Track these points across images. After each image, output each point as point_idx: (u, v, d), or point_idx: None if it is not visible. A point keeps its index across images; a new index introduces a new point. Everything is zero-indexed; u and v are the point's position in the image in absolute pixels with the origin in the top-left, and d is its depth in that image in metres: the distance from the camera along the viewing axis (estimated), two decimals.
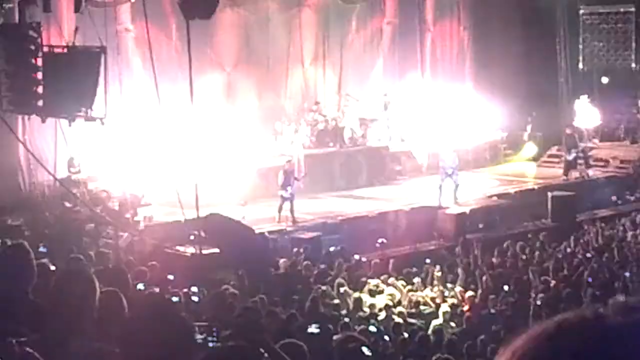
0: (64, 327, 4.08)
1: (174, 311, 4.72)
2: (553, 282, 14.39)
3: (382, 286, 14.20)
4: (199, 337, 8.88)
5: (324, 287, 13.88)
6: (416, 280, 14.76)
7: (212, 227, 15.88)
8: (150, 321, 3.62)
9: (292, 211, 18.02)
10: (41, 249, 13.05)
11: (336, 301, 13.40)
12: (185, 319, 4.13)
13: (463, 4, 25.77)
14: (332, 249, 16.78)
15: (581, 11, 26.17)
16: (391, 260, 16.04)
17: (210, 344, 8.44)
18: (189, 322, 4.45)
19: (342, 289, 13.87)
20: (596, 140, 23.68)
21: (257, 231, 16.16)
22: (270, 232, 16.70)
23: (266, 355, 4.30)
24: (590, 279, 14.59)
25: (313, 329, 9.93)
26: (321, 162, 21.50)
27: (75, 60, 13.76)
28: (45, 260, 9.37)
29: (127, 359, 3.61)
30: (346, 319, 11.92)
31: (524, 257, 16.25)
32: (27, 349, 4.03)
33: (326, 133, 22.14)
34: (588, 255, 16.33)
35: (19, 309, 4.47)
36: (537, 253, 16.54)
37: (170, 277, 13.89)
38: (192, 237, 15.82)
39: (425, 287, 14.65)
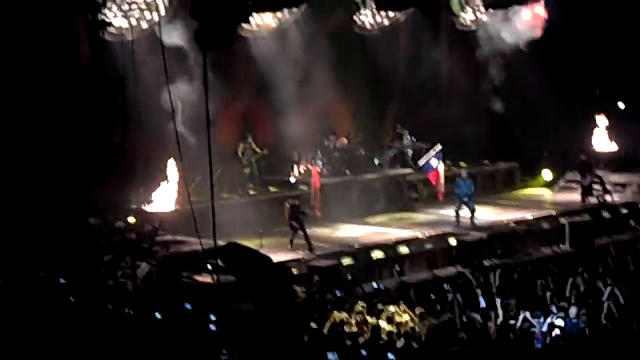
0: None
1: None
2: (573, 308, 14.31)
3: (403, 314, 14.16)
4: None
5: (342, 315, 13.89)
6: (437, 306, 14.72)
7: (229, 256, 15.92)
8: None
9: (307, 240, 18.06)
10: (61, 281, 13.13)
11: (354, 329, 13.38)
12: None
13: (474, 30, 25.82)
14: (349, 276, 16.80)
15: (596, 36, 26.15)
16: (409, 287, 16.02)
17: None
18: None
19: (359, 317, 13.85)
20: (602, 166, 23.56)
21: (274, 260, 16.17)
22: (287, 261, 16.70)
23: None
24: (609, 304, 14.51)
25: (331, 357, 9.92)
26: (338, 190, 21.58)
27: (94, 92, 13.88)
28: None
29: None
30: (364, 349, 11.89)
31: (542, 282, 16.17)
32: None
33: (343, 161, 22.23)
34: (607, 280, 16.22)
35: None
36: (555, 278, 16.48)
37: (188, 306, 13.93)
38: (209, 267, 15.85)
39: (444, 313, 14.59)
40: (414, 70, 24.92)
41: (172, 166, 19.08)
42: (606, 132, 25.00)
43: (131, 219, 18.19)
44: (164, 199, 18.83)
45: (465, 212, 20.35)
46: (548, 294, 15.37)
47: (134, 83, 19.24)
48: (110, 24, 18.89)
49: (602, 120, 25.14)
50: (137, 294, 14.46)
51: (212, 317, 13.21)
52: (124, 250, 15.69)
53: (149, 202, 18.62)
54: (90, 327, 10.85)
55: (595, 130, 25.02)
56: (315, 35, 23.24)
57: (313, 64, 22.98)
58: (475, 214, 20.51)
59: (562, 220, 20.43)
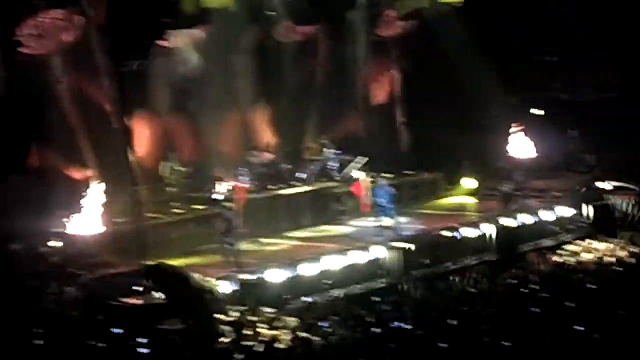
0: None
1: None
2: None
3: None
4: None
5: (274, 332, 13.81)
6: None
7: (156, 277, 15.71)
8: None
9: (236, 256, 17.89)
10: None
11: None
12: None
13: (392, 42, 26.11)
14: (278, 292, 16.70)
15: (513, 43, 26.67)
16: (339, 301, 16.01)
17: None
18: None
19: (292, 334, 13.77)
20: (521, 173, 24.00)
21: (202, 278, 15.98)
22: (217, 278, 16.50)
23: None
24: (534, 309, 14.73)
25: None
26: (264, 205, 21.48)
27: (7, 113, 13.48)
28: None
29: None
30: None
31: (471, 290, 16.36)
32: None
33: (267, 176, 22.15)
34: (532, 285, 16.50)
35: None
36: (482, 286, 16.69)
37: (118, 330, 13.65)
38: (136, 288, 15.58)
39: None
40: (334, 82, 25.06)
41: (94, 187, 18.73)
42: (523, 138, 25.47)
43: (55, 243, 17.75)
44: (87, 220, 18.43)
45: (387, 221, 20.45)
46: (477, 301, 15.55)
47: (50, 103, 18.92)
48: (23, 44, 18.52)
49: (519, 127, 25.61)
50: (65, 320, 14.09)
51: (142, 340, 12.98)
52: (49, 276, 15.29)
53: (72, 224, 18.20)
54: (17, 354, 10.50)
55: (513, 137, 25.47)
56: (235, 50, 23.16)
57: (234, 78, 22.89)
58: (400, 223, 20.62)
59: (486, 228, 20.68)
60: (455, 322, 14.26)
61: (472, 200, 24.61)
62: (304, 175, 23.03)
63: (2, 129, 13.30)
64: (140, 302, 15.37)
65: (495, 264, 19.02)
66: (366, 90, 25.97)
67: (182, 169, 21.31)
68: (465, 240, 20.34)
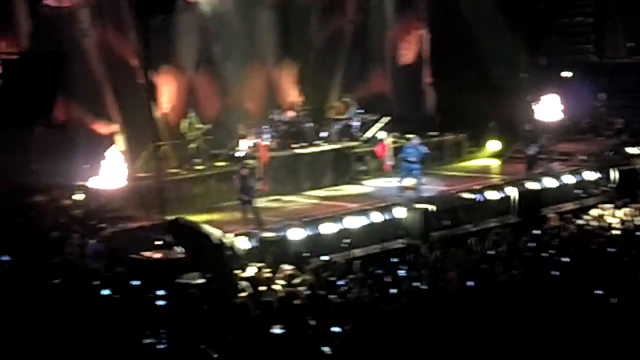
0: None
1: None
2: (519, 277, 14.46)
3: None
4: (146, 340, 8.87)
5: (291, 289, 13.88)
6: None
7: (176, 232, 15.82)
8: None
9: (256, 214, 17.94)
10: (4, 258, 12.90)
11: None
12: None
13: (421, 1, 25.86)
14: (298, 250, 16.76)
15: (540, 5, 26.33)
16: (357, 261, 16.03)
17: (159, 346, 8.43)
18: None
19: (309, 291, 13.83)
20: (547, 136, 23.70)
21: (224, 235, 16.05)
22: (236, 235, 16.58)
23: None
24: (556, 273, 14.66)
25: (277, 329, 9.91)
26: (286, 163, 21.50)
27: (33, 67, 13.54)
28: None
29: None
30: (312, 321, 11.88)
31: (490, 253, 16.29)
32: None
33: (289, 134, 22.12)
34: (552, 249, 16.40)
35: None
36: (503, 249, 16.61)
37: (136, 282, 13.80)
38: (157, 243, 15.71)
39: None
40: (360, 40, 24.89)
41: (117, 142, 18.83)
42: (552, 101, 25.20)
43: (78, 196, 17.93)
44: (110, 175, 18.57)
45: (411, 180, 20.40)
46: (497, 262, 15.50)
47: (76, 56, 18.96)
48: None
49: (548, 90, 25.34)
50: (86, 271, 14.26)
51: (161, 293, 13.10)
52: (71, 228, 15.45)
53: (95, 178, 18.35)
54: (38, 303, 10.67)
55: (541, 100, 25.21)
56: (261, 6, 23.05)
57: (258, 35, 22.80)
58: (422, 185, 20.57)
59: (509, 191, 20.58)
60: (472, 284, 14.24)
61: (496, 163, 24.46)
62: (327, 134, 22.97)
63: (28, 82, 13.35)
64: (160, 256, 15.51)
65: (517, 226, 18.91)
66: (394, 50, 25.76)
67: (205, 125, 21.32)
68: (487, 202, 20.26)
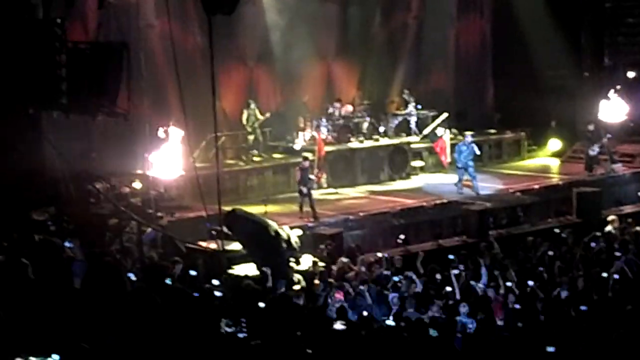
0: None
1: None
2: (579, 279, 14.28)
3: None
4: (227, 329, 8.93)
5: (345, 284, 13.88)
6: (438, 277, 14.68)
7: (233, 222, 15.91)
8: None
9: (312, 207, 18.00)
10: (66, 244, 13.12)
11: None
12: None
13: None
14: (353, 245, 16.76)
15: (606, 4, 25.88)
16: (415, 256, 15.96)
17: (240, 335, 8.49)
18: None
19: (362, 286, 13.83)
20: (609, 136, 23.24)
21: (278, 227, 16.10)
22: (292, 228, 16.64)
23: None
24: (616, 276, 14.45)
25: (339, 325, 9.90)
26: (343, 157, 21.52)
27: (99, 57, 13.74)
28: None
29: None
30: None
31: (550, 253, 16.09)
32: None
33: (347, 128, 22.12)
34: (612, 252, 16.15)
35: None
36: (562, 249, 16.41)
37: (193, 272, 13.94)
38: (214, 233, 15.82)
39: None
40: (422, 35, 24.76)
41: (177, 132, 18.98)
42: (615, 101, 24.76)
43: (136, 185, 18.17)
44: (168, 164, 18.74)
45: (467, 179, 20.28)
46: (557, 264, 15.32)
47: (139, 47, 19.19)
48: None
49: (611, 90, 24.90)
50: (143, 260, 14.45)
51: (217, 282, 13.21)
52: (129, 216, 15.66)
53: (154, 167, 18.54)
54: (94, 288, 10.80)
55: (604, 100, 24.78)
56: (322, 0, 23.04)
57: (319, 29, 22.81)
58: (479, 182, 20.41)
59: (569, 191, 20.29)
60: (532, 283, 14.11)
61: (556, 163, 24.16)
62: (385, 129, 22.93)
63: (93, 72, 13.57)
64: (216, 246, 15.62)
65: (576, 227, 18.65)
66: (455, 46, 25.58)
67: (263, 117, 21.42)
68: (545, 202, 20.01)
